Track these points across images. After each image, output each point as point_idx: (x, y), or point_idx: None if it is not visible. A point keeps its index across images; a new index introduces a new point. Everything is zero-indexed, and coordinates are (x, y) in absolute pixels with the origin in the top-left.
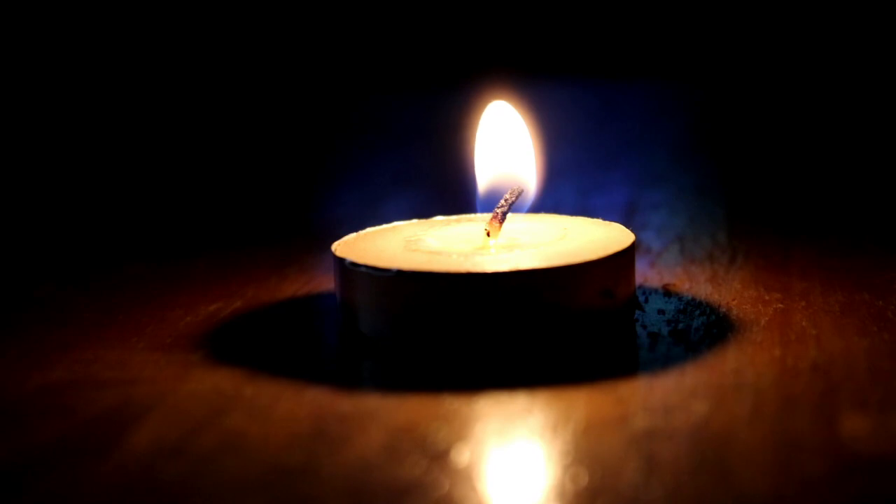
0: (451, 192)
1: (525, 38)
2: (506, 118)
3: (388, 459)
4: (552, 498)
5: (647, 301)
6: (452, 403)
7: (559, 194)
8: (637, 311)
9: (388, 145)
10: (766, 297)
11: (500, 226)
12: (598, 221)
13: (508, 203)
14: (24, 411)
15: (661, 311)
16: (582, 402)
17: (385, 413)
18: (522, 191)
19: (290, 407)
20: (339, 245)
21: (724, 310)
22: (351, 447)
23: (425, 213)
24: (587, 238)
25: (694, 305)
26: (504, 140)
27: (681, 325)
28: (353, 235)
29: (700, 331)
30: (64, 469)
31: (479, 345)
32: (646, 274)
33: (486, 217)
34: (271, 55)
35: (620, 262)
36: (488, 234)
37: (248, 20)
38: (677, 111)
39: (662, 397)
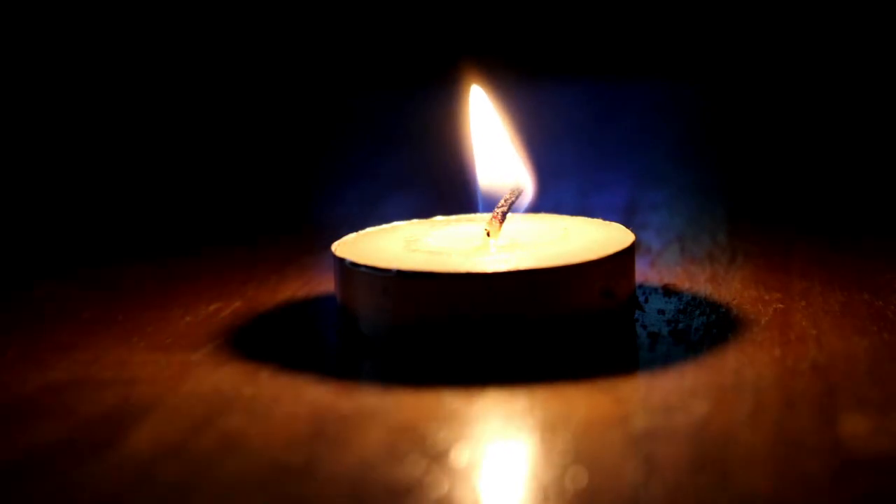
0: (451, 192)
1: (525, 37)
2: (485, 111)
3: (388, 459)
4: (552, 498)
5: (647, 301)
6: (452, 403)
7: (559, 194)
8: (637, 311)
9: (388, 145)
10: (766, 297)
11: (500, 226)
12: (598, 221)
13: (508, 203)
14: (24, 411)
15: (661, 311)
16: (582, 401)
17: (385, 413)
18: (522, 190)
19: (290, 407)
20: (339, 245)
21: (724, 310)
22: (351, 447)
23: (425, 213)
24: (587, 238)
25: (694, 305)
26: (491, 137)
27: (681, 325)
28: (353, 235)
29: (700, 331)
30: (64, 469)
31: (479, 345)
32: (646, 274)
33: (486, 217)
34: (271, 54)
35: (620, 262)
36: (488, 234)
37: (247, 19)
38: (677, 111)
39: (662, 397)
